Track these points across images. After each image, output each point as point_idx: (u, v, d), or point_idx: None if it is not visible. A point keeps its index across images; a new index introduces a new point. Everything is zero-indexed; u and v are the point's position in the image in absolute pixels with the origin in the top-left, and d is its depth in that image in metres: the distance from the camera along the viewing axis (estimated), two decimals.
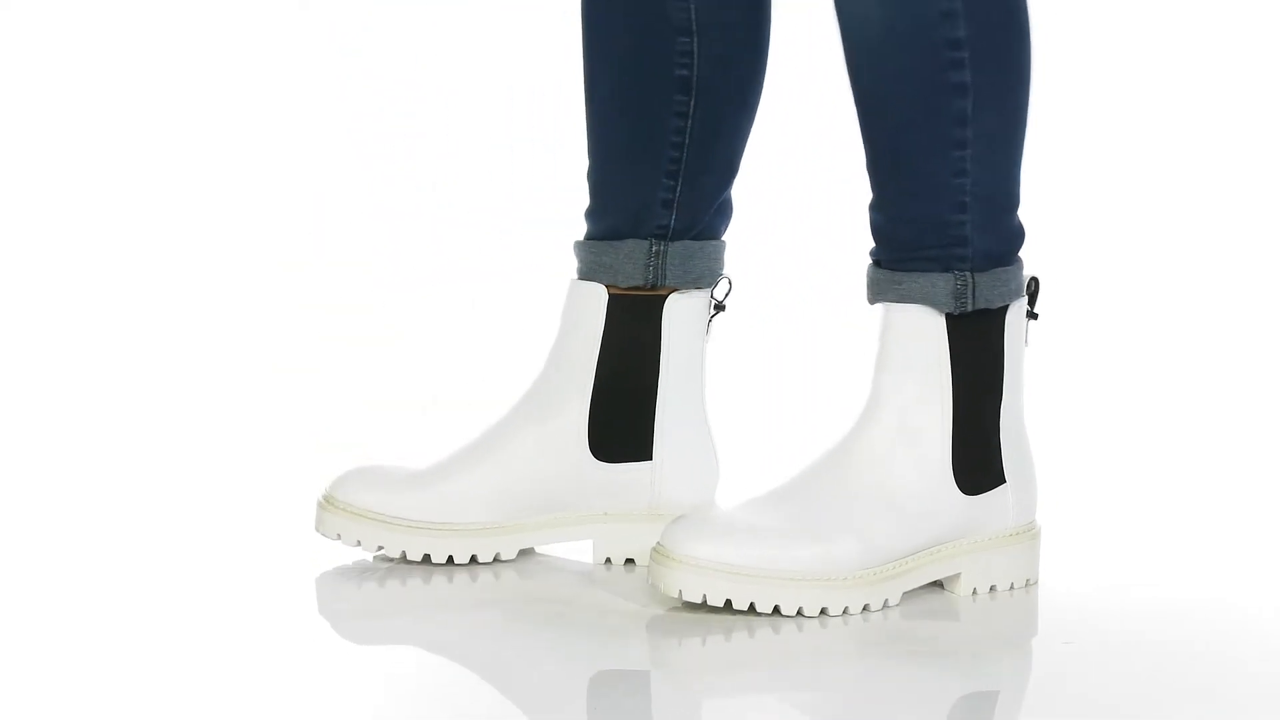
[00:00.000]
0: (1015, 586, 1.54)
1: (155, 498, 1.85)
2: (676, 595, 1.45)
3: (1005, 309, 1.51)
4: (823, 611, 1.46)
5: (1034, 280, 1.54)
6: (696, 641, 1.43)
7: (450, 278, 2.77)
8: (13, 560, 1.65)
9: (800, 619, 1.45)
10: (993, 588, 1.53)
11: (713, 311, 1.61)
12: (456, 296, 2.73)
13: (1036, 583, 1.55)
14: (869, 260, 1.52)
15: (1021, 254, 1.53)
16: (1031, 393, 1.56)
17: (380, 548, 1.57)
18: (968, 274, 1.49)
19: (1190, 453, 2.09)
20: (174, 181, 2.87)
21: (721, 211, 1.62)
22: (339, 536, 1.57)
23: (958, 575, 1.52)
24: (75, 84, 2.90)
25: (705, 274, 1.60)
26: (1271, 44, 2.89)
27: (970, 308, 1.49)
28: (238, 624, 1.46)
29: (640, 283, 1.58)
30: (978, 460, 1.51)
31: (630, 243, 1.58)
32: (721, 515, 1.49)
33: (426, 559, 1.57)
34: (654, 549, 1.47)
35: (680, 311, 1.59)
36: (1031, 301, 1.54)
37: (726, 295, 1.61)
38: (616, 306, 1.58)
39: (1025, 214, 1.53)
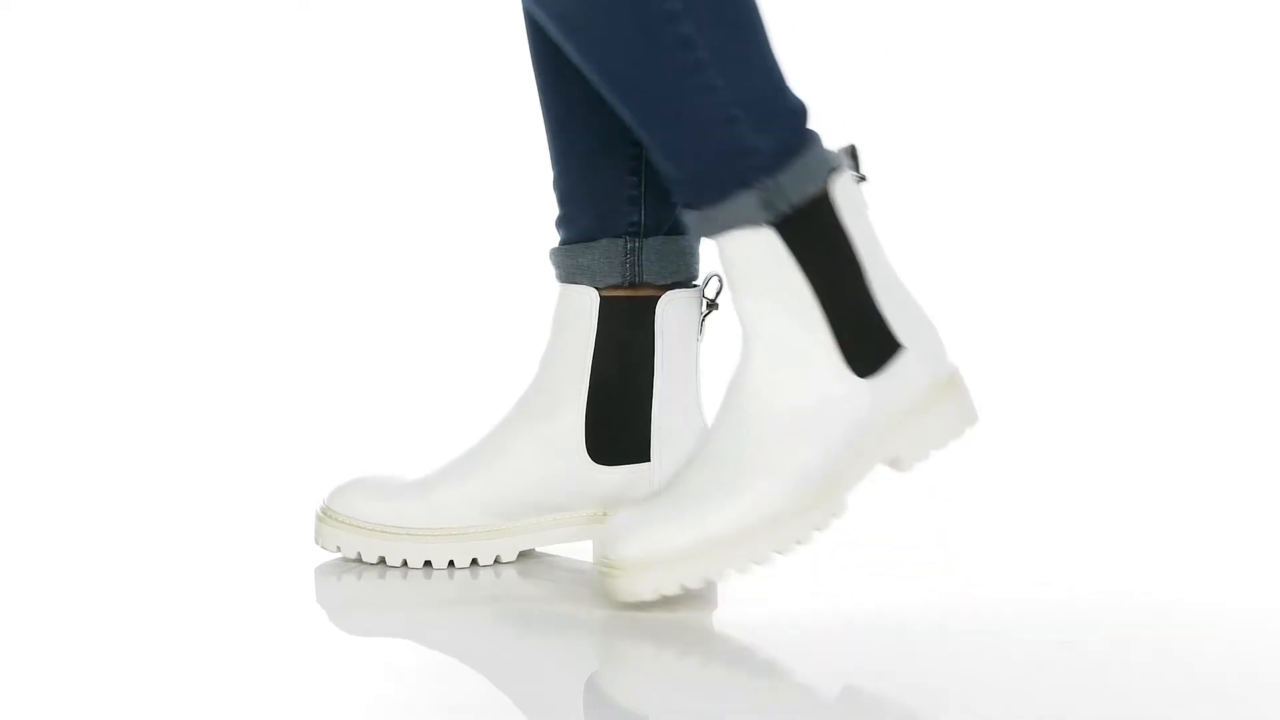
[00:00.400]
0: (954, 440, 1.52)
1: (154, 499, 1.85)
2: (639, 598, 1.45)
3: (826, 192, 1.49)
4: (775, 555, 1.46)
5: (851, 148, 1.52)
6: (693, 643, 1.43)
7: (448, 279, 2.77)
8: (9, 561, 1.65)
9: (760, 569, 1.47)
10: (934, 451, 1.51)
11: (705, 310, 1.61)
12: (455, 299, 2.73)
13: (976, 422, 1.54)
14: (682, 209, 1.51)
15: (812, 125, 1.50)
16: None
17: (381, 558, 1.57)
18: (769, 179, 1.47)
19: (1189, 453, 2.09)
20: (169, 183, 2.87)
21: None
22: (339, 549, 1.58)
23: (897, 454, 1.51)
24: (75, 84, 2.91)
25: (683, 269, 1.61)
26: (1269, 44, 2.89)
27: (789, 209, 1.47)
28: (236, 623, 1.46)
29: (618, 281, 1.59)
30: (866, 341, 1.49)
31: (604, 242, 1.59)
32: (641, 509, 1.48)
33: (427, 565, 1.57)
34: (601, 563, 1.47)
35: (673, 312, 1.59)
36: (856, 167, 1.52)
37: (718, 294, 1.61)
38: (608, 309, 1.58)
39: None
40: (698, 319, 1.61)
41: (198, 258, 2.81)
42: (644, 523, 1.46)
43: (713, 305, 1.61)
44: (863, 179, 1.52)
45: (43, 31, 2.92)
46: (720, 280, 1.61)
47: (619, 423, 1.59)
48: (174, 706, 1.28)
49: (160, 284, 2.75)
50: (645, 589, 1.45)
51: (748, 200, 1.47)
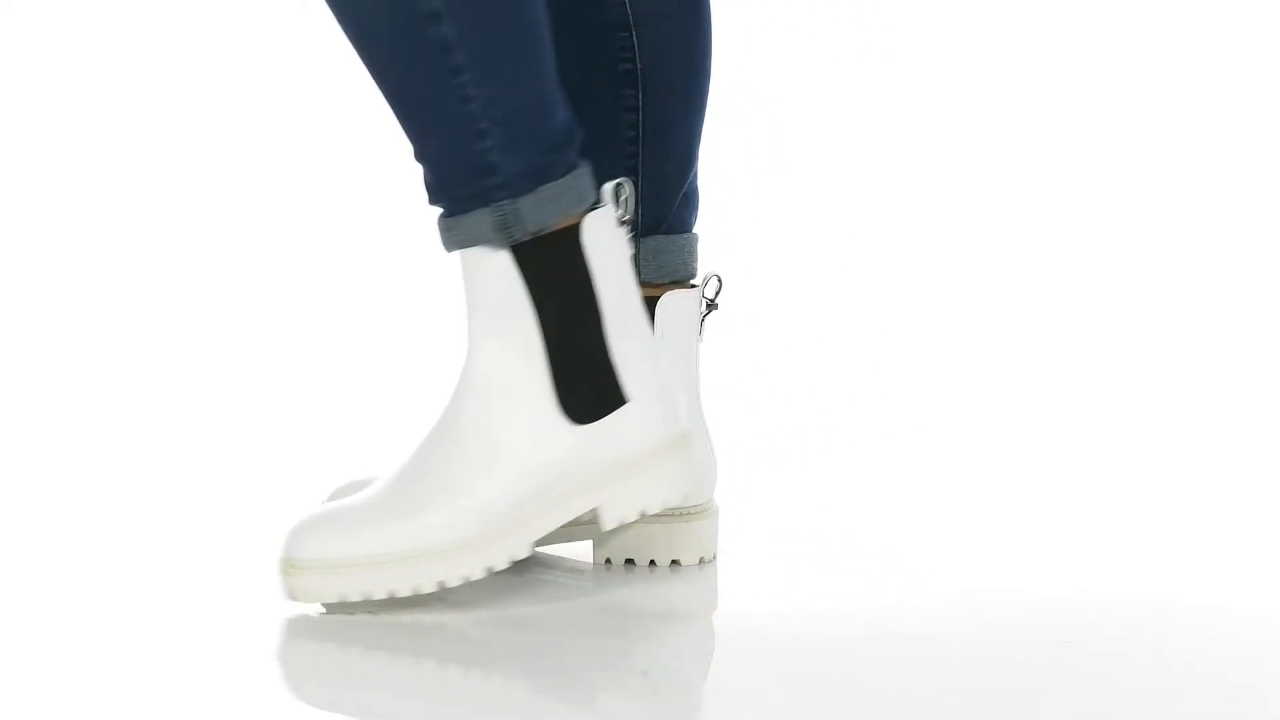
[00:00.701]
0: (667, 505, 1.47)
1: (142, 504, 1.85)
2: (298, 599, 1.43)
3: (575, 225, 1.45)
4: (440, 585, 1.42)
5: (619, 186, 1.47)
6: (693, 643, 1.43)
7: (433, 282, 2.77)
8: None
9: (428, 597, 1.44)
10: (642, 513, 1.47)
11: (705, 310, 1.61)
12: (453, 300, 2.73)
13: (705, 500, 1.51)
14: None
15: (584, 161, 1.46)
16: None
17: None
18: (505, 202, 1.43)
19: (1188, 453, 2.09)
20: (163, 184, 2.87)
21: (688, 203, 1.62)
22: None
23: (599, 508, 1.46)
24: (75, 84, 2.90)
25: (680, 268, 1.60)
26: (1268, 45, 2.89)
27: (521, 235, 1.43)
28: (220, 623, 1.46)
29: None
30: (587, 386, 1.45)
31: None
32: (337, 509, 1.44)
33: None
34: (279, 559, 1.43)
35: (672, 311, 1.59)
36: (624, 206, 1.47)
37: (718, 293, 1.61)
38: None
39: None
40: (698, 319, 1.61)
41: (195, 250, 2.81)
42: (324, 526, 1.43)
43: (712, 305, 1.61)
44: (626, 221, 1.47)
45: (43, 32, 2.92)
46: (720, 280, 1.61)
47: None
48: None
49: (157, 276, 2.75)
50: (307, 592, 1.43)
51: (484, 218, 1.43)
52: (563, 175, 1.44)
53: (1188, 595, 1.57)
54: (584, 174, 1.45)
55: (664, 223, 1.60)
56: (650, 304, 1.58)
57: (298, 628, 1.44)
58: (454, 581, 1.43)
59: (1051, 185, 2.85)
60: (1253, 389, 2.38)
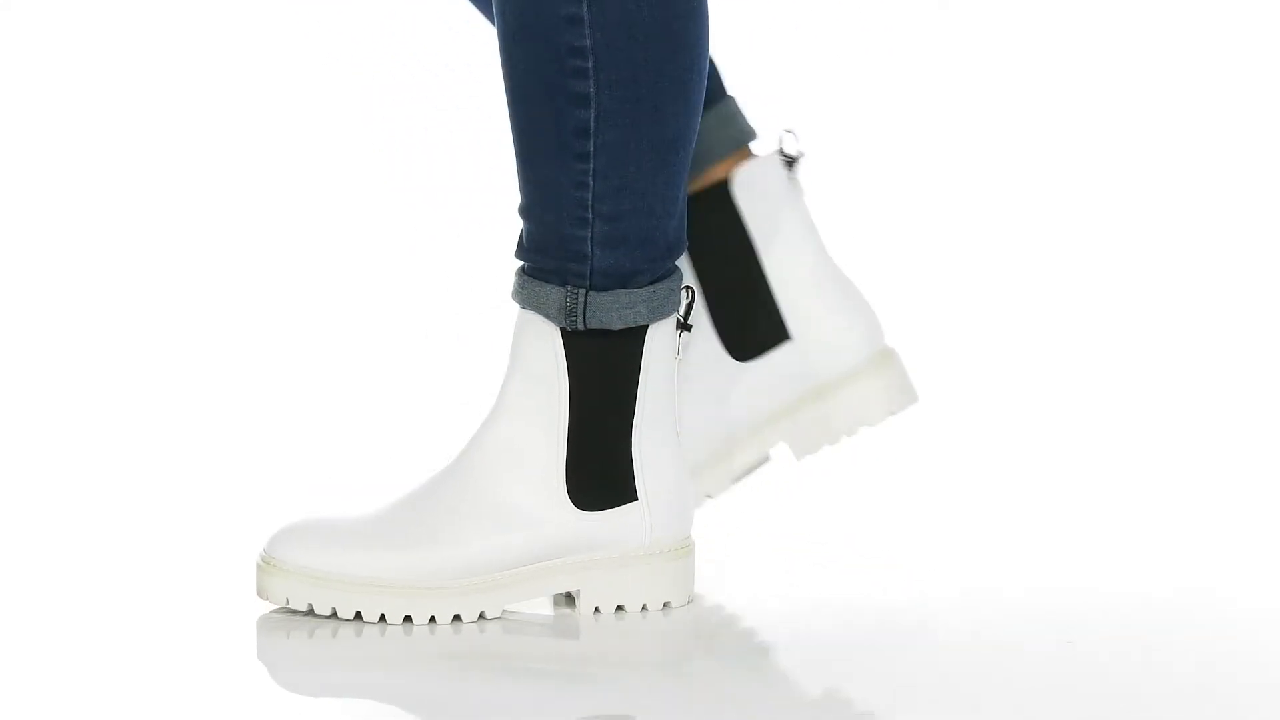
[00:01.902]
0: (648, 608, 1.47)
1: (139, 504, 1.85)
2: (265, 597, 1.44)
3: (644, 329, 1.45)
4: (406, 619, 1.44)
5: (689, 290, 1.47)
6: (691, 643, 1.43)
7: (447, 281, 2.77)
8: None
9: (384, 625, 1.43)
10: (620, 607, 1.46)
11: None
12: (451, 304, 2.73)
13: (685, 604, 1.48)
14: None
15: (677, 275, 1.46)
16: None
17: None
18: (581, 292, 1.42)
19: (1188, 453, 2.09)
20: (162, 184, 2.87)
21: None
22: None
23: (579, 592, 1.46)
24: (75, 84, 2.90)
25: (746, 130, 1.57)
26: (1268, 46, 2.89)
27: (581, 326, 1.43)
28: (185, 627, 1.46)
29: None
30: (599, 477, 1.45)
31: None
32: (329, 522, 1.46)
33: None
34: (260, 553, 1.45)
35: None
36: (686, 313, 1.47)
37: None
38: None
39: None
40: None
41: (187, 258, 2.81)
42: (311, 534, 1.44)
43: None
44: (687, 328, 1.47)
45: (43, 31, 2.92)
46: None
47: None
48: None
49: (152, 283, 2.75)
50: (278, 594, 1.44)
51: (553, 296, 1.43)
52: (646, 285, 1.44)
53: (1188, 595, 1.57)
54: (665, 289, 1.45)
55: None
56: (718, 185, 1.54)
57: (235, 680, 1.41)
58: (420, 619, 1.44)
59: (1051, 185, 2.85)
60: (1253, 389, 2.37)
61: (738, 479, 1.57)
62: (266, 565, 1.44)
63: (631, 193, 1.41)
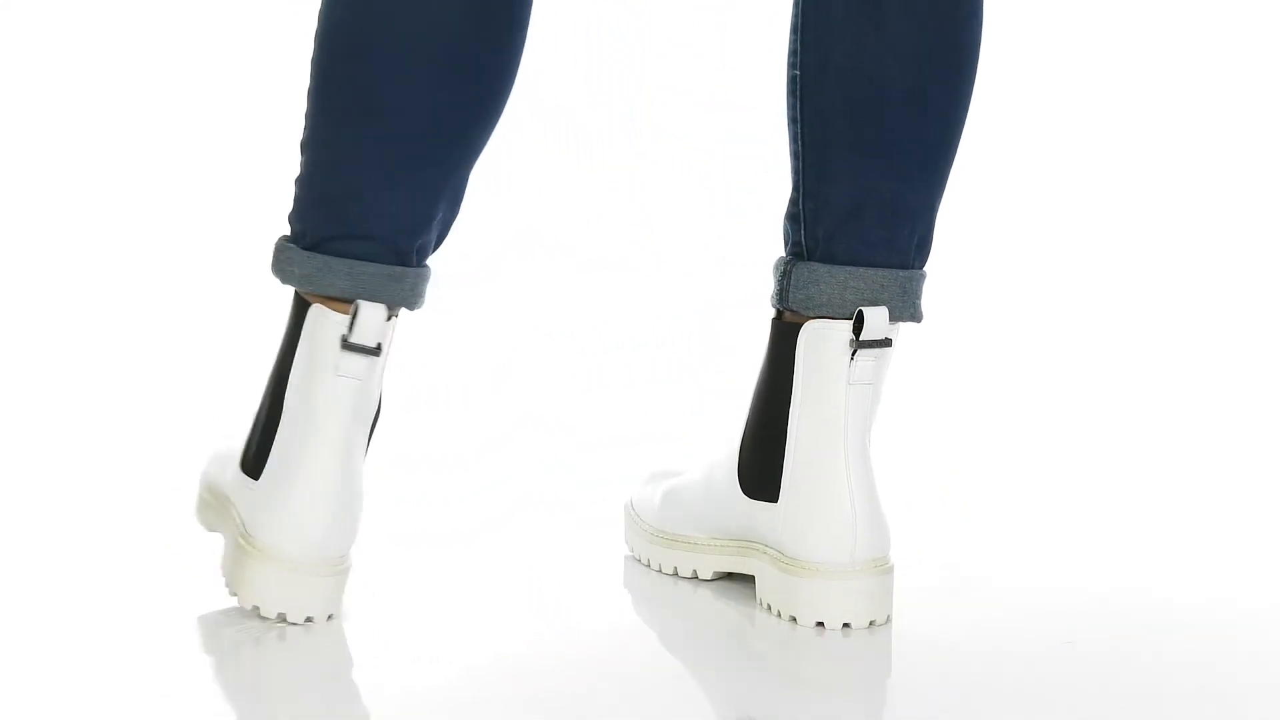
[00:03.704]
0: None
1: (140, 504, 1.85)
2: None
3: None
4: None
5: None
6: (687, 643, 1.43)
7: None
8: None
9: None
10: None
11: (854, 346, 1.47)
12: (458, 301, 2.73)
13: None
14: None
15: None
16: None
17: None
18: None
19: (1188, 453, 2.09)
20: (163, 184, 2.87)
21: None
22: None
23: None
24: (75, 84, 2.91)
25: (824, 297, 1.51)
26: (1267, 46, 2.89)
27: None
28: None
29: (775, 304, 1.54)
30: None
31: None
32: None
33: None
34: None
35: (813, 343, 1.48)
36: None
37: (861, 329, 1.47)
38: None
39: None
40: (844, 353, 1.47)
41: (187, 257, 2.81)
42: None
43: (862, 343, 1.47)
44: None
45: (43, 31, 2.92)
46: (864, 317, 1.47)
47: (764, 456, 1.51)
48: None
49: (155, 276, 2.75)
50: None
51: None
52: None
53: (1188, 595, 1.57)
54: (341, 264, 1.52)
55: (821, 248, 1.51)
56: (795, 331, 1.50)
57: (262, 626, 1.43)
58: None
59: (1052, 185, 2.85)
60: (1253, 389, 2.38)
61: (720, 575, 1.56)
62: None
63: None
